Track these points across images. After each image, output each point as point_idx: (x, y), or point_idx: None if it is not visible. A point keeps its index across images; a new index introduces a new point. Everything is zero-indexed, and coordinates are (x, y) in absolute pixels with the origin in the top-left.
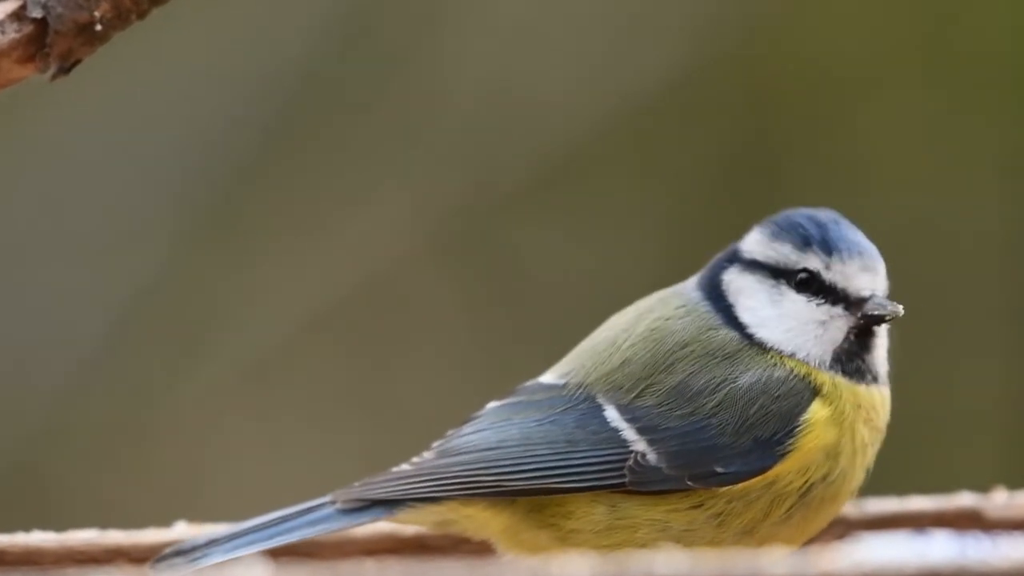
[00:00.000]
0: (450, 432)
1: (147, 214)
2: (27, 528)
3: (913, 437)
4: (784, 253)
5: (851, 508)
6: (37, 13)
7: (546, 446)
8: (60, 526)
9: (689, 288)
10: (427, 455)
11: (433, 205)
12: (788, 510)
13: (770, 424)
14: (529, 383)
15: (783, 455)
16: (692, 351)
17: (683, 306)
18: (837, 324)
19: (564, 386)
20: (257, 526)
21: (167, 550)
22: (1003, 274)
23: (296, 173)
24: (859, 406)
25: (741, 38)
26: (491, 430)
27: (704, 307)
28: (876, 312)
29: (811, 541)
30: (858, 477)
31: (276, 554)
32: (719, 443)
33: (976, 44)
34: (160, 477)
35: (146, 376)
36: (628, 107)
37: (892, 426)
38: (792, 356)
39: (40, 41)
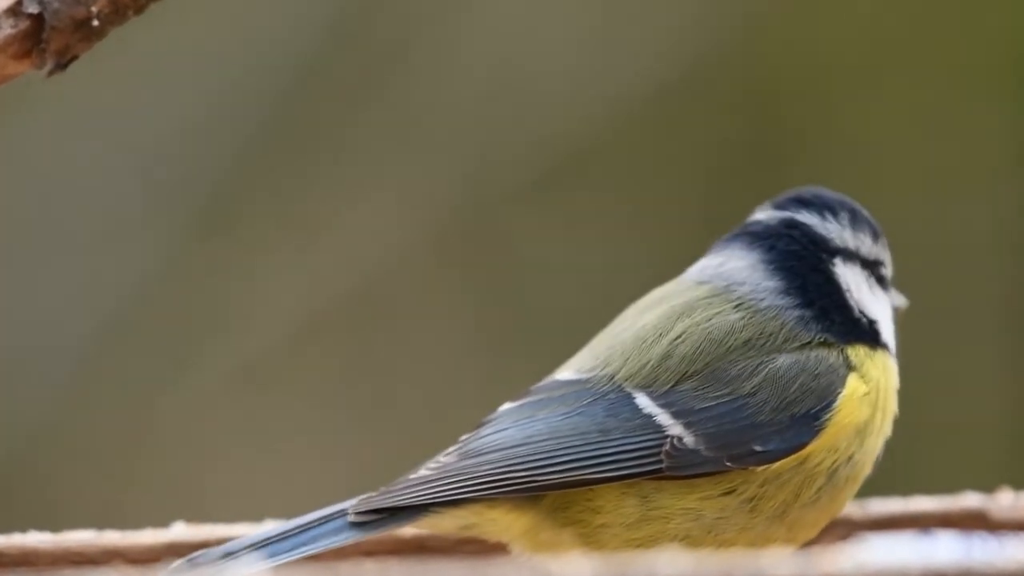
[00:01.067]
0: (464, 437)
1: (141, 213)
2: (23, 529)
3: (918, 437)
4: (868, 244)
5: (855, 508)
6: (34, 8)
7: (578, 437)
8: (56, 527)
9: (751, 279)
10: (446, 459)
11: (431, 203)
12: (817, 491)
13: (808, 400)
14: (545, 381)
15: (819, 431)
16: (751, 347)
17: (743, 307)
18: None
19: (588, 380)
20: (276, 537)
21: (177, 562)
22: (1008, 271)
23: (292, 171)
24: (888, 374)
25: (742, 33)
26: (514, 428)
27: (781, 304)
28: (899, 305)
29: (814, 542)
30: (880, 442)
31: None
32: (757, 421)
33: (978, 37)
34: (157, 477)
35: (143, 376)
36: (627, 103)
37: (897, 427)
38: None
39: (36, 37)
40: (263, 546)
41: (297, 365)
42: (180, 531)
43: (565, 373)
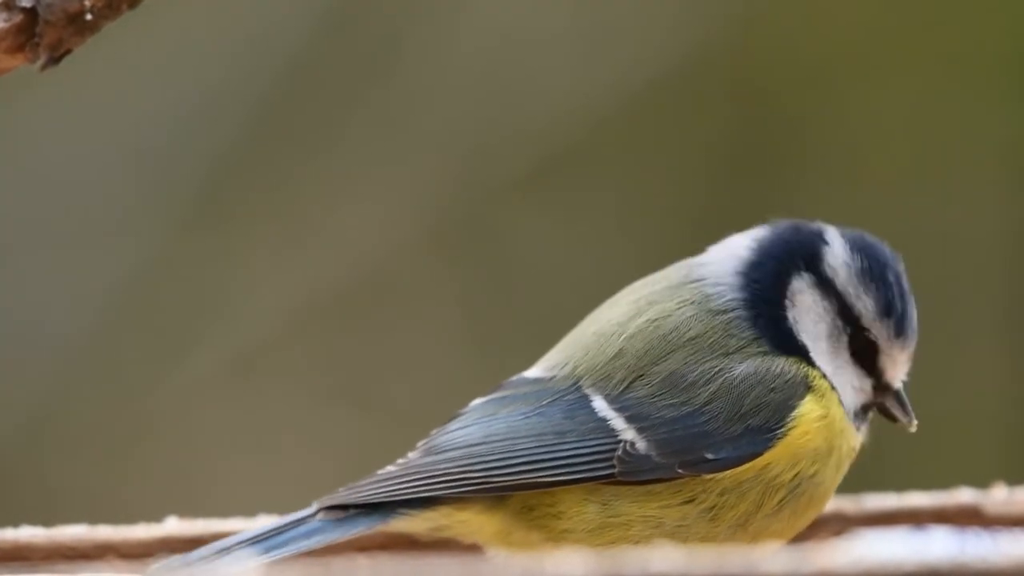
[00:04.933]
0: (435, 431)
1: (133, 206)
2: (16, 523)
3: (912, 434)
4: (865, 305)
5: (850, 504)
6: (27, 3)
7: (533, 439)
8: (49, 521)
9: (719, 270)
10: (412, 455)
11: (423, 197)
12: (780, 502)
13: (763, 413)
14: (514, 378)
15: (773, 442)
16: (697, 345)
17: (695, 301)
18: (863, 395)
19: (551, 379)
20: (250, 540)
21: (155, 565)
22: (1003, 268)
23: (285, 164)
24: (845, 426)
25: (736, 28)
26: (476, 425)
27: (732, 302)
28: (894, 412)
29: (807, 538)
30: (835, 483)
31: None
32: (709, 429)
33: (973, 33)
34: (150, 471)
35: (135, 369)
36: (622, 98)
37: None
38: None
39: (30, 31)
40: (256, 543)
41: (290, 358)
42: (173, 525)
43: (534, 370)
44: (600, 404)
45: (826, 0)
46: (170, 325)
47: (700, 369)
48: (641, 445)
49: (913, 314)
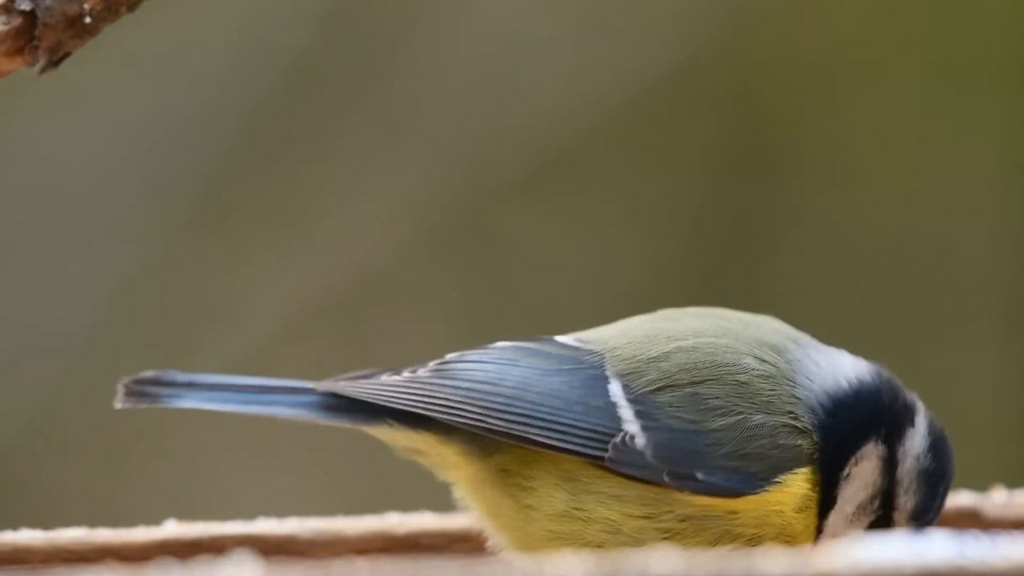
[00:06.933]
0: (451, 355)
1: (133, 209)
2: (15, 526)
3: None
4: (908, 502)
5: None
6: (26, 6)
7: (542, 396)
8: (48, 524)
9: (812, 370)
10: (422, 371)
11: (421, 199)
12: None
13: (759, 464)
14: (545, 336)
15: (758, 490)
16: (742, 390)
17: (771, 370)
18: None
19: (579, 349)
20: (238, 386)
21: (145, 374)
22: (1003, 270)
23: (284, 167)
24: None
25: (735, 29)
26: (493, 364)
27: (813, 403)
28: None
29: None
30: None
31: (267, 553)
32: (709, 452)
33: (972, 36)
34: (149, 474)
35: (134, 372)
36: (620, 100)
37: None
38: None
39: (29, 34)
40: (221, 390)
41: (289, 360)
42: (172, 528)
43: (565, 337)
44: (616, 390)
45: (824, 3)
46: (170, 327)
47: (727, 402)
48: (640, 441)
49: (935, 519)
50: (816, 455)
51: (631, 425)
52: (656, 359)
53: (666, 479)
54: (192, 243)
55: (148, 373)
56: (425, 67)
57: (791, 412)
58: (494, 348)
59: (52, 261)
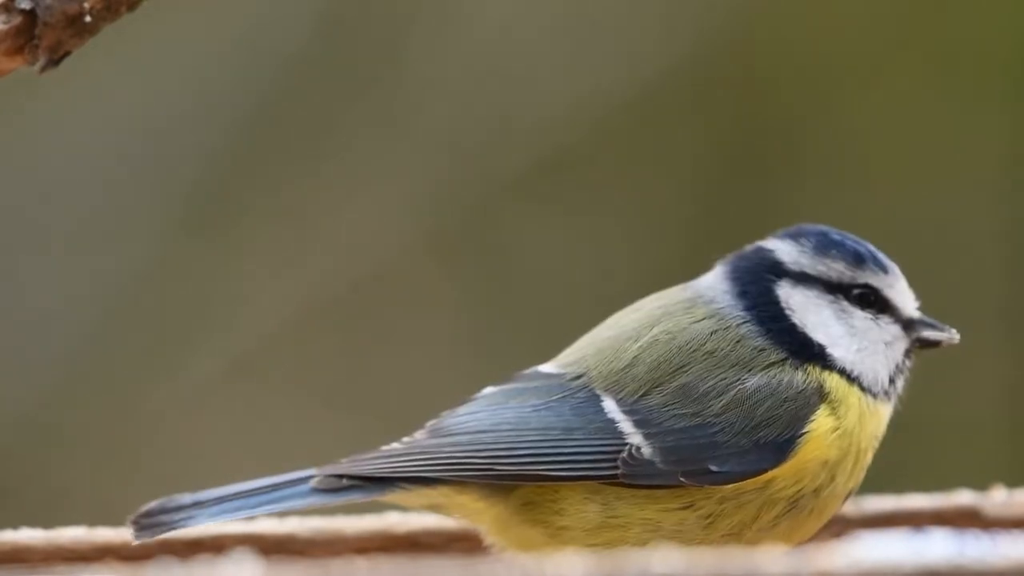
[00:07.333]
0: (444, 413)
1: (131, 208)
2: (15, 525)
3: (912, 435)
4: (838, 269)
5: (849, 506)
6: (26, 4)
7: (541, 432)
8: (48, 523)
9: (717, 294)
10: (419, 435)
11: (420, 199)
12: (776, 517)
13: (775, 427)
14: (527, 371)
15: (782, 460)
16: (714, 357)
17: (710, 316)
18: (898, 345)
19: (563, 376)
20: (244, 492)
21: (151, 505)
22: (1002, 268)
23: (282, 166)
24: (866, 421)
25: (740, 26)
26: (486, 412)
27: (739, 317)
28: (933, 336)
29: (808, 540)
30: (851, 487)
31: (267, 552)
32: (717, 441)
33: (972, 35)
34: (149, 473)
35: (134, 372)
36: (620, 99)
37: (891, 424)
38: (858, 378)
39: (29, 33)
40: (228, 500)
41: (288, 360)
42: None
43: (548, 366)
44: (610, 405)
45: (824, 3)
46: (169, 328)
47: (714, 381)
48: (646, 451)
49: (877, 250)
50: (807, 365)
51: (634, 437)
52: (629, 366)
53: (682, 480)
54: (193, 243)
55: (152, 504)
56: (425, 67)
57: (757, 347)
58: (482, 396)
59: (53, 261)
